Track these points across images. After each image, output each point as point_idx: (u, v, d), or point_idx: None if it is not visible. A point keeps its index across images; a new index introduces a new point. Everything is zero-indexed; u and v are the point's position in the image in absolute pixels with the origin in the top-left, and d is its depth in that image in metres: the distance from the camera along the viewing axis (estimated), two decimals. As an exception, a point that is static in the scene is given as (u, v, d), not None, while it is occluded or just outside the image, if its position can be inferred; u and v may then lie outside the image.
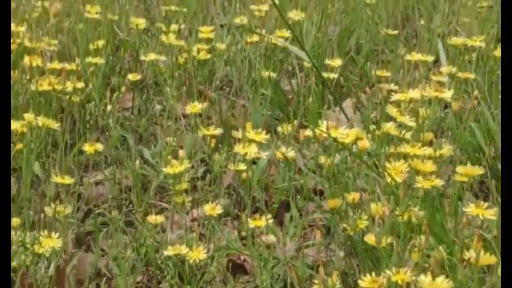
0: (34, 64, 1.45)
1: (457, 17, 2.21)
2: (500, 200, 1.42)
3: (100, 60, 1.55)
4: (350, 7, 2.26)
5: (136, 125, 1.85)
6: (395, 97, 1.15)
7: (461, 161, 1.75)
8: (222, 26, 2.02)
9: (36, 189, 1.60)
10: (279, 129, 1.60)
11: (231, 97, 1.85)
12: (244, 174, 1.30)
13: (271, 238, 1.28)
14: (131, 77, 1.67)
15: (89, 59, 1.55)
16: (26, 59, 1.47)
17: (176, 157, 1.49)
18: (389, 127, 1.08)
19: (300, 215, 1.50)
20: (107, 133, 1.60)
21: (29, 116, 1.23)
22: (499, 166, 1.67)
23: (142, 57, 1.65)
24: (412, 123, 1.08)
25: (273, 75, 1.68)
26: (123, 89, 1.62)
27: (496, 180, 1.62)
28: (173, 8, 2.04)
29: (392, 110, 1.08)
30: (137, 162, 1.55)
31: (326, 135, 1.05)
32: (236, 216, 1.54)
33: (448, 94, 1.14)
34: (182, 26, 1.92)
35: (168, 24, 2.02)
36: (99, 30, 1.84)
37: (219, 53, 1.77)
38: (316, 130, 1.07)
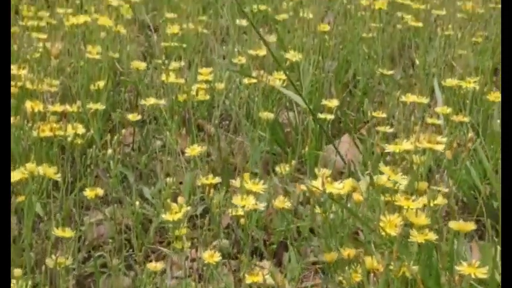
0: (36, 109, 1.47)
1: (453, 50, 2.23)
2: (496, 239, 1.44)
3: (100, 106, 1.58)
4: (347, 40, 2.28)
5: (136, 161, 1.87)
6: (389, 148, 1.17)
7: (457, 198, 1.78)
8: (221, 63, 2.04)
9: (38, 229, 1.62)
10: (277, 169, 1.62)
11: (230, 134, 1.87)
12: (242, 220, 1.32)
13: (270, 281, 1.30)
14: (131, 117, 1.70)
15: (90, 105, 1.57)
16: (28, 104, 1.49)
17: (176, 197, 1.51)
18: (383, 180, 1.10)
19: (300, 253, 1.52)
20: (107, 174, 1.62)
21: (31, 165, 1.26)
22: (495, 205, 1.69)
23: (142, 101, 1.67)
24: (405, 181, 1.10)
25: (271, 115, 1.71)
26: (123, 131, 1.64)
27: (492, 218, 1.64)
28: (173, 44, 2.07)
29: (384, 169, 1.10)
30: (138, 203, 1.57)
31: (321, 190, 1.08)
32: (235, 257, 1.56)
33: (440, 146, 1.17)
34: (182, 63, 1.95)
35: (168, 59, 2.05)
36: (100, 66, 1.87)
37: (218, 92, 1.80)
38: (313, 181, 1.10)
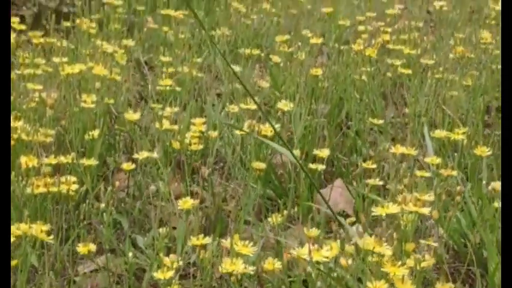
0: (30, 165, 1.50)
1: (444, 91, 2.26)
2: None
3: (93, 162, 1.60)
4: (340, 82, 2.31)
5: (130, 207, 1.89)
6: (376, 211, 1.19)
7: (448, 246, 1.80)
8: (214, 111, 2.07)
9: (32, 281, 1.64)
10: (270, 219, 1.64)
11: (224, 178, 1.89)
12: (233, 278, 1.34)
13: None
14: (125, 166, 1.72)
15: (83, 160, 1.60)
16: (23, 160, 1.51)
17: (170, 247, 1.53)
18: (370, 244, 1.12)
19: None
20: (101, 224, 1.64)
21: (24, 226, 1.28)
22: (484, 254, 1.71)
23: (135, 155, 1.70)
24: (389, 252, 1.12)
25: (263, 165, 1.73)
26: (117, 183, 1.66)
27: (481, 267, 1.67)
28: (168, 87, 2.10)
29: (369, 242, 1.12)
30: (131, 254, 1.59)
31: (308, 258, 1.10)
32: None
33: (427, 210, 1.19)
34: (176, 109, 1.97)
35: (162, 102, 2.08)
36: (95, 112, 1.90)
37: (212, 140, 1.82)
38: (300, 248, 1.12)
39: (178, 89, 2.15)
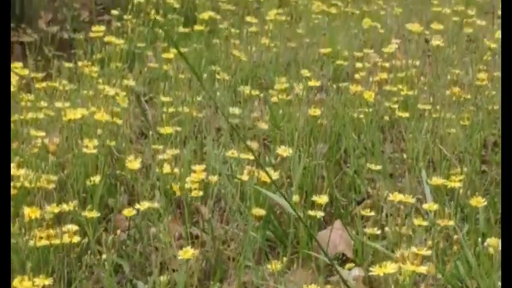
0: (33, 216, 1.52)
1: (441, 129, 2.29)
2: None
3: (94, 214, 1.63)
4: (338, 118, 2.34)
5: (131, 250, 1.91)
6: (374, 272, 1.21)
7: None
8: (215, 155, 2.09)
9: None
10: (269, 266, 1.66)
11: (225, 219, 1.92)
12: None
13: None
14: (126, 212, 1.74)
15: (85, 213, 1.62)
16: (26, 211, 1.54)
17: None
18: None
19: None
20: (102, 272, 1.66)
21: (27, 284, 1.30)
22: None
23: (137, 206, 1.72)
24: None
25: (262, 212, 1.76)
26: (118, 231, 1.69)
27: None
28: (168, 131, 2.12)
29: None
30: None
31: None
32: None
33: (423, 268, 1.21)
34: (177, 151, 2.00)
35: (163, 142, 2.11)
36: (96, 155, 1.92)
37: (212, 185, 1.85)
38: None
39: (178, 129, 2.17)
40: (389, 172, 2.29)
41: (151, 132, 2.06)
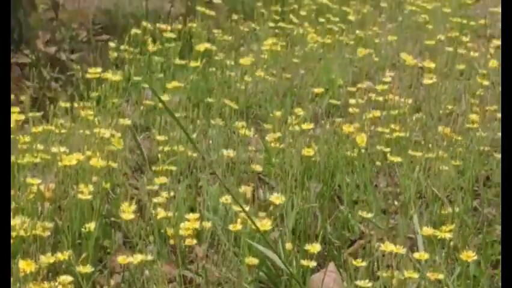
0: (28, 271, 1.54)
1: (434, 167, 2.31)
2: None
3: (88, 269, 1.65)
4: (332, 156, 2.36)
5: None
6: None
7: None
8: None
9: None
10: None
11: (218, 267, 1.94)
12: None
13: None
14: (121, 260, 1.77)
15: (80, 268, 1.64)
16: (21, 265, 1.56)
17: None
18: None
19: None
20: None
21: None
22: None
23: (130, 259, 1.75)
24: None
25: (256, 261, 1.78)
26: (116, 275, 1.71)
27: None
28: (162, 168, 2.15)
29: None
30: None
31: None
32: None
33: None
34: (172, 194, 2.02)
35: (157, 183, 2.13)
36: (91, 200, 1.94)
37: (205, 231, 1.87)
38: None
39: (173, 168, 2.20)
40: (382, 208, 2.31)
41: (146, 172, 2.09)
